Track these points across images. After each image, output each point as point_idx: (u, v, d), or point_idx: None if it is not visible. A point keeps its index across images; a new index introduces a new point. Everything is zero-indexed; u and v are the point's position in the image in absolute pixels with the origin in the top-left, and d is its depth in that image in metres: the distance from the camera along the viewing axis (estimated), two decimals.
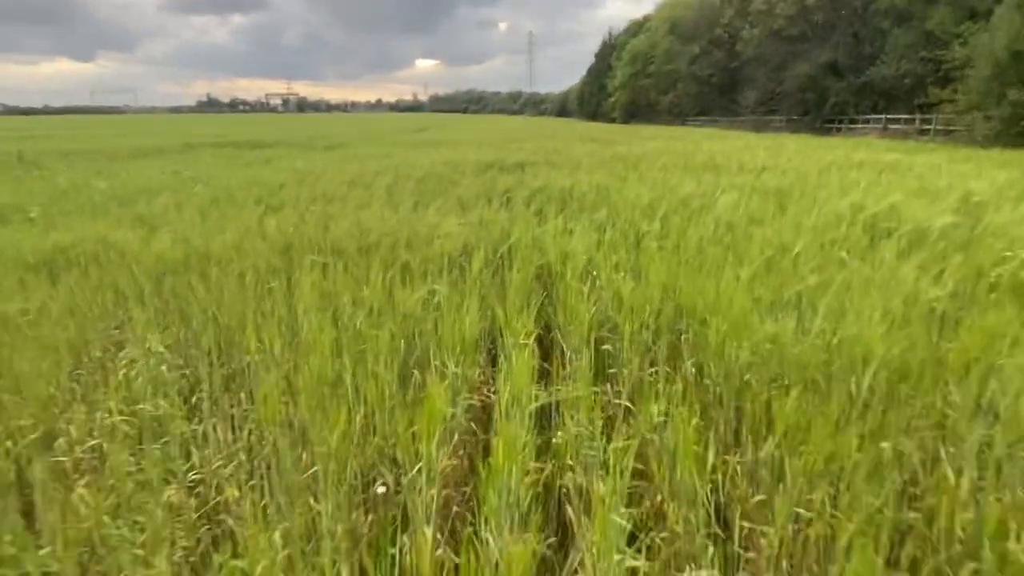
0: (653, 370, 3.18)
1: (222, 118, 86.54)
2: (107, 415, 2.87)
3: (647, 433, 2.56)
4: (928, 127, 27.29)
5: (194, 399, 3.08)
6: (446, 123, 55.66)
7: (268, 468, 2.51)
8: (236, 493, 2.34)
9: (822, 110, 35.72)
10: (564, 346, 3.50)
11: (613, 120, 60.68)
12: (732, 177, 9.69)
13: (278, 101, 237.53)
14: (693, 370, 3.11)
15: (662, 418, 2.44)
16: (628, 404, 2.87)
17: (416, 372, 3.31)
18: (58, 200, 8.47)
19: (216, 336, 3.52)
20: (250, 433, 2.79)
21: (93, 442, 2.69)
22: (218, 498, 2.51)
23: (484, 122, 56.80)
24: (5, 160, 16.27)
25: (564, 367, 3.42)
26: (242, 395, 3.04)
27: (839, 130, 33.93)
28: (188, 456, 2.71)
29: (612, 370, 3.37)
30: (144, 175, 12.04)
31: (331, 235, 5.49)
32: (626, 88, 59.70)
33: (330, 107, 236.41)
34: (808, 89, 36.21)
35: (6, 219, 7.17)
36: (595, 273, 4.19)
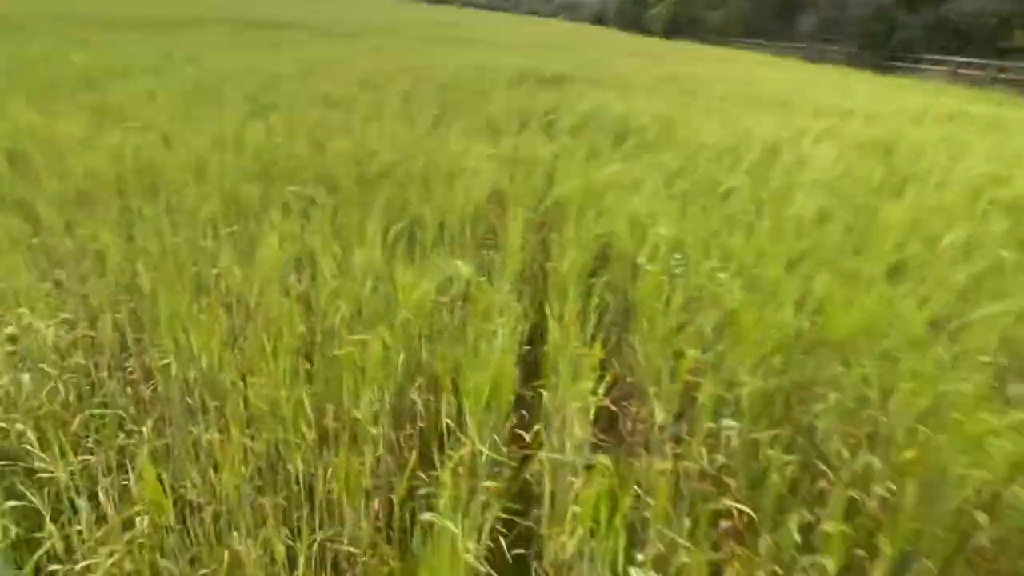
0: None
1: None
2: None
3: None
4: (1005, 75, 24.66)
5: (76, 421, 2.02)
6: (477, 19, 51.87)
7: None
8: None
9: (886, 44, 32.50)
10: (641, 380, 2.38)
11: (652, 34, 56.42)
12: (810, 120, 8.16)
13: None
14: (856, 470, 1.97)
15: None
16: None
17: (416, 400, 2.24)
18: (15, 73, 7.15)
19: (130, 316, 2.42)
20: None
21: None
22: None
23: (517, 22, 53.00)
24: None
25: (639, 411, 2.33)
26: (145, 427, 1.96)
27: (901, 68, 30.88)
28: (39, 528, 1.69)
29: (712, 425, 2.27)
30: (132, 51, 10.54)
31: (326, 156, 4.26)
32: (670, 0, 55.13)
33: None
34: (874, 20, 32.86)
35: None
36: (679, 256, 3.00)
